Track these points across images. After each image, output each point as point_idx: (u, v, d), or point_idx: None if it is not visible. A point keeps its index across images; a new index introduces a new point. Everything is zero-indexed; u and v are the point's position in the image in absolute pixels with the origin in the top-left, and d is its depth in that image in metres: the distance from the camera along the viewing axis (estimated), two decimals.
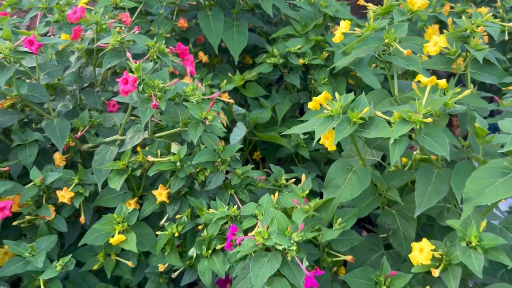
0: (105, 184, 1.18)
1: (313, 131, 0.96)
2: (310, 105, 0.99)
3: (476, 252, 0.83)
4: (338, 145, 1.04)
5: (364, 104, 0.95)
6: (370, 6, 1.15)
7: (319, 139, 0.97)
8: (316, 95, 1.80)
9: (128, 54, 1.05)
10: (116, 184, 1.13)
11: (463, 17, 1.05)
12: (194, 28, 1.89)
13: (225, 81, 1.56)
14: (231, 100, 1.57)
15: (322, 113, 0.96)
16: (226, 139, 1.60)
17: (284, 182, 1.30)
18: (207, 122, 1.02)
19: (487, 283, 0.91)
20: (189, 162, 1.11)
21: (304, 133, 1.64)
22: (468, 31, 1.03)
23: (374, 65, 1.94)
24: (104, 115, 1.32)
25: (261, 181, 1.21)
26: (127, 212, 1.10)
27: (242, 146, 1.16)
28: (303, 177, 1.15)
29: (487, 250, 0.83)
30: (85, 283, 1.20)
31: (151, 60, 1.09)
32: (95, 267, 1.17)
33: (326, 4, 1.72)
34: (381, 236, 1.15)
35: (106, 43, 1.11)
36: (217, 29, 1.72)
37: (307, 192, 1.09)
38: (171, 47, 1.09)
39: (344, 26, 1.07)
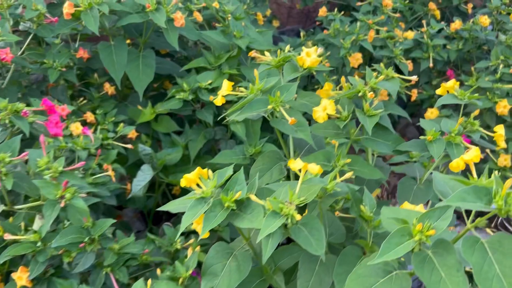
0: None
1: None
2: (182, 183, 0.86)
3: None
4: None
5: (241, 184, 0.83)
6: (265, 57, 1.03)
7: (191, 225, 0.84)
8: (231, 133, 1.70)
9: None
10: None
11: (356, 77, 0.94)
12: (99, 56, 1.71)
13: (121, 124, 1.40)
14: (129, 146, 1.42)
15: (194, 195, 0.84)
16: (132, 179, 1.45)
17: (179, 246, 1.18)
18: (62, 204, 0.87)
19: None
20: (53, 241, 0.96)
21: None
22: (360, 93, 0.93)
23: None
24: None
25: (145, 254, 1.07)
26: None
27: (114, 221, 1.01)
28: (189, 251, 1.02)
29: None
30: None
31: (2, 124, 0.93)
32: None
33: (240, 35, 1.59)
34: None
35: None
36: (120, 61, 1.56)
37: (191, 270, 0.97)
38: (25, 110, 0.92)
39: (225, 88, 0.94)
